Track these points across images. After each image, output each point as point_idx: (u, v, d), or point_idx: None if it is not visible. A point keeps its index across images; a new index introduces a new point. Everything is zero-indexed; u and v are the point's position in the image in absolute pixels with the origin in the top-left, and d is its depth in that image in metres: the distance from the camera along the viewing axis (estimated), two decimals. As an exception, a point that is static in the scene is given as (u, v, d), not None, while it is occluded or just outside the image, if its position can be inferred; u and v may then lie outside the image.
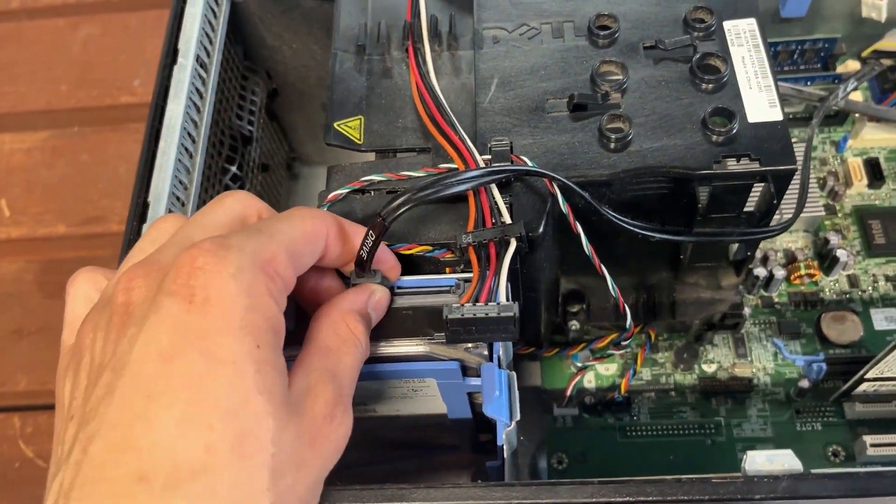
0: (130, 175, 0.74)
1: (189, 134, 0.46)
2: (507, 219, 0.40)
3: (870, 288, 0.58)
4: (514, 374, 0.38)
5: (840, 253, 0.57)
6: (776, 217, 0.47)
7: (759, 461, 0.32)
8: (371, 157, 0.46)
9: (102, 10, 0.85)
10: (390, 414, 0.47)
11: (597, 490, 0.31)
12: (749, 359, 0.57)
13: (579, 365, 0.56)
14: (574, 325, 0.54)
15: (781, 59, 0.66)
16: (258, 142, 0.58)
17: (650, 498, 0.31)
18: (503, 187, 0.41)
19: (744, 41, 0.44)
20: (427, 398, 0.43)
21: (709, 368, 0.57)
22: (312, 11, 0.53)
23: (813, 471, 0.32)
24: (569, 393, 0.55)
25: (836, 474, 0.31)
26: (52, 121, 0.79)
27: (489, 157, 0.42)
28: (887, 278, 0.58)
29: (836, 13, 0.63)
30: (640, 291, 0.53)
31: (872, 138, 0.63)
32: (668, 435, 0.55)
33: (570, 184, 0.40)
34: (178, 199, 0.44)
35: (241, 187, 0.55)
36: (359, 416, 0.46)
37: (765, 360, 0.57)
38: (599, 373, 0.57)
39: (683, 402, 0.56)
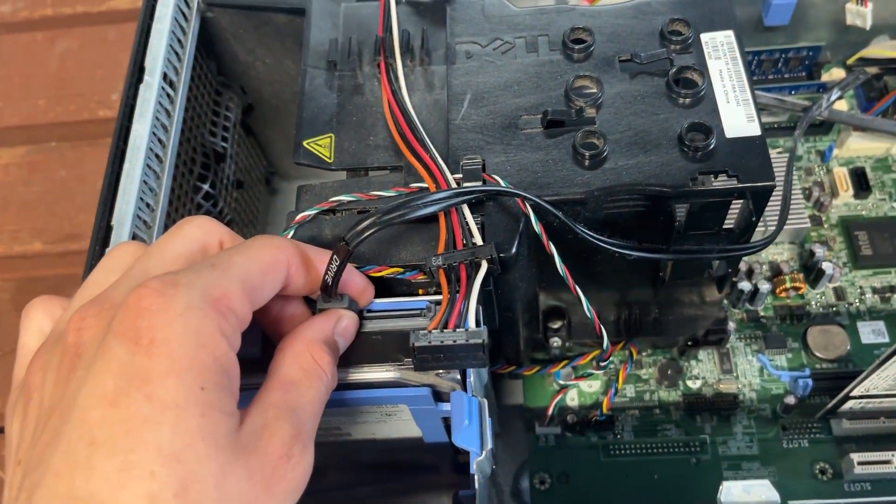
0: (107, 191, 0.73)
1: (156, 154, 0.45)
2: (478, 240, 0.39)
3: (857, 300, 0.57)
4: (485, 401, 0.37)
5: (826, 266, 0.56)
6: (760, 228, 0.46)
7: (736, 492, 0.31)
8: (343, 175, 0.45)
9: (80, 24, 0.84)
10: (366, 438, 0.46)
11: (567, 525, 0.30)
12: (734, 374, 0.56)
13: (561, 383, 0.55)
14: (556, 341, 0.53)
15: (765, 68, 0.65)
16: (232, 158, 0.57)
17: (622, 533, 0.30)
18: (475, 207, 0.40)
19: (721, 54, 0.43)
20: (402, 422, 0.42)
21: (693, 385, 0.56)
22: (285, 27, 0.52)
23: (790, 502, 0.30)
24: (550, 412, 0.54)
25: (813, 506, 0.30)
26: (29, 136, 0.78)
27: (461, 175, 0.41)
28: (874, 290, 0.57)
29: (819, 21, 0.62)
30: (622, 308, 0.52)
31: (858, 147, 0.62)
32: (653, 454, 0.53)
33: (543, 203, 0.39)
34: (143, 221, 0.43)
35: (215, 205, 0.54)
36: (333, 440, 0.46)
37: (750, 375, 0.56)
38: (582, 390, 0.56)
39: (668, 420, 0.55)
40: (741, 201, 0.41)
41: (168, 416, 0.27)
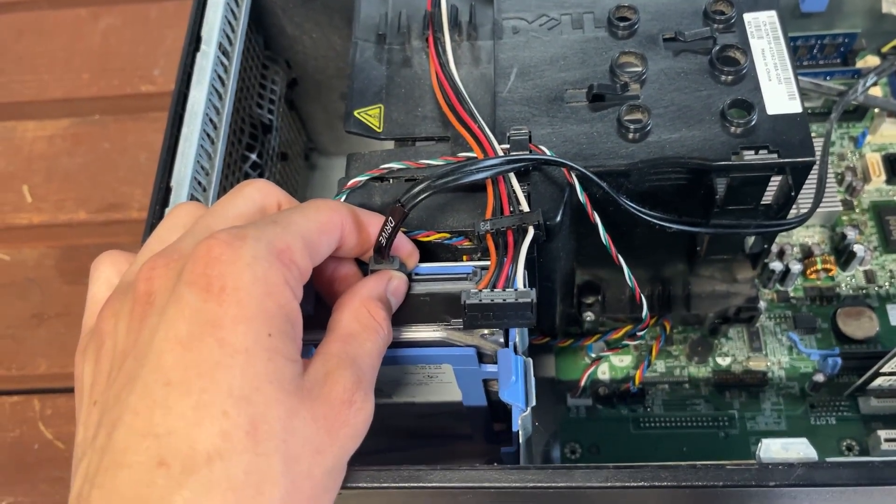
0: (150, 163, 0.75)
1: (211, 120, 0.47)
2: (525, 207, 0.40)
3: (886, 283, 0.58)
4: (530, 360, 0.38)
5: (857, 248, 0.57)
6: (793, 211, 0.47)
7: (774, 449, 0.32)
8: (390, 145, 0.47)
9: (123, 2, 0.85)
10: (406, 401, 0.47)
11: (612, 475, 0.31)
12: (764, 352, 0.57)
13: (593, 356, 0.57)
14: (589, 316, 0.55)
15: (801, 55, 0.66)
16: (278, 130, 0.58)
17: (665, 483, 0.31)
18: (521, 176, 0.42)
19: (764, 34, 0.44)
20: (442, 385, 0.44)
21: (723, 361, 0.57)
22: (333, 2, 0.54)
23: (828, 459, 0.32)
24: (583, 383, 0.55)
25: (850, 463, 0.31)
26: (73, 109, 0.80)
27: (507, 146, 0.42)
28: (904, 274, 0.58)
29: (856, 8, 0.63)
30: (656, 284, 0.53)
31: (892, 134, 0.63)
32: (682, 427, 0.55)
33: (588, 173, 0.40)
34: (199, 184, 0.44)
35: (261, 175, 0.55)
36: (376, 402, 0.47)
37: (780, 354, 0.57)
38: (614, 364, 0.57)
39: (697, 395, 0.56)
40: (780, 177, 0.42)
41: (238, 360, 0.28)
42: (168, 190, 0.42)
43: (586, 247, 0.48)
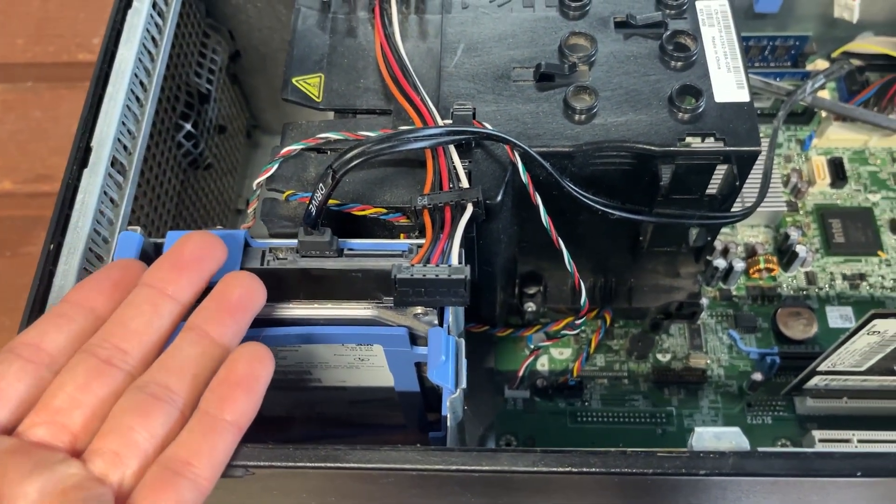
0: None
1: (140, 82, 0.44)
2: (464, 183, 0.38)
3: (826, 286, 0.58)
4: (462, 341, 0.37)
5: (799, 249, 0.57)
6: (738, 205, 0.47)
7: (707, 438, 0.31)
8: (330, 117, 0.45)
9: (66, -35, 0.82)
10: (336, 385, 0.45)
11: (539, 459, 0.30)
12: (704, 350, 0.56)
13: (533, 346, 0.55)
14: (530, 306, 0.53)
15: (753, 55, 0.66)
16: (216, 102, 0.56)
17: (593, 469, 0.30)
18: (463, 152, 0.40)
19: (715, 21, 0.44)
20: (374, 369, 0.42)
21: (663, 358, 0.56)
22: (279, -31, 0.52)
23: (760, 449, 0.31)
24: (521, 374, 0.54)
25: (782, 453, 0.30)
26: (5, 75, 0.76)
27: (450, 121, 0.41)
28: (844, 277, 0.58)
29: (808, 12, 0.63)
30: (598, 275, 0.52)
31: (837, 138, 0.63)
32: (619, 422, 0.54)
33: (531, 152, 0.39)
34: (124, 147, 0.42)
35: (196, 146, 0.53)
36: (303, 385, 0.45)
37: (720, 351, 0.56)
38: (553, 357, 0.56)
39: (636, 391, 0.55)
40: (725, 166, 0.42)
41: None
42: (88, 150, 0.40)
43: (529, 233, 0.47)
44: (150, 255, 0.39)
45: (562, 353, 0.56)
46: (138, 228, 0.38)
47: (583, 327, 0.56)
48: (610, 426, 0.54)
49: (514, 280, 0.53)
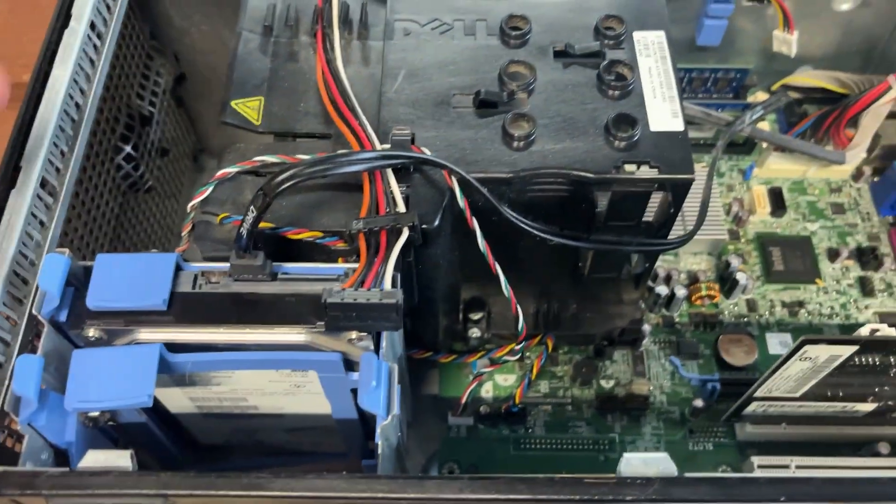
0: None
1: (76, 103, 0.43)
2: (401, 208, 0.38)
3: (767, 313, 0.59)
4: (395, 367, 0.36)
5: (740, 276, 0.58)
6: (679, 230, 0.47)
7: (635, 463, 0.31)
8: (270, 140, 0.44)
9: (12, -14, 0.81)
10: (273, 412, 0.44)
11: (466, 486, 0.30)
12: (647, 377, 0.56)
13: (476, 372, 0.55)
14: (475, 332, 0.53)
15: (696, 86, 0.67)
16: (159, 124, 0.55)
17: (520, 496, 0.29)
18: (401, 177, 0.40)
19: (652, 52, 0.44)
20: (311, 395, 0.41)
21: (607, 384, 0.56)
22: (224, -8, 0.51)
23: (686, 475, 0.31)
24: (464, 401, 0.54)
25: (708, 479, 0.30)
26: (-55, 95, 0.74)
27: (389, 146, 0.41)
28: (784, 304, 0.59)
29: (748, 46, 0.65)
30: (542, 300, 0.52)
31: (777, 168, 0.64)
32: (562, 449, 0.54)
33: (468, 177, 0.39)
34: (55, 167, 0.41)
35: (136, 168, 0.52)
36: (240, 412, 0.44)
37: (662, 378, 0.57)
38: (497, 383, 0.56)
39: (579, 417, 0.55)
40: (661, 194, 0.42)
41: None
42: (16, 170, 0.39)
43: (470, 259, 0.47)
44: (78, 278, 0.38)
45: (506, 380, 0.56)
46: (66, 251, 0.37)
47: (527, 353, 0.56)
48: (553, 453, 0.54)
49: (457, 305, 0.53)
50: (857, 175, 0.64)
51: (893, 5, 0.62)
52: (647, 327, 0.55)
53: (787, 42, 0.62)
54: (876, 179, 0.65)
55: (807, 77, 0.64)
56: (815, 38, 0.65)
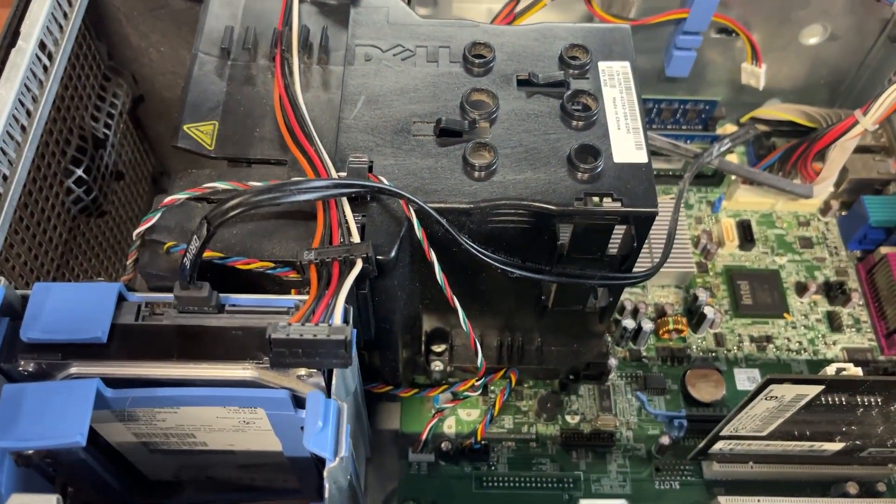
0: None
1: (21, 125, 0.42)
2: (355, 238, 0.37)
3: (735, 347, 0.58)
4: (344, 405, 0.35)
5: (707, 310, 0.57)
6: (647, 262, 0.46)
7: (592, 510, 0.30)
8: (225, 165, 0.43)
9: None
10: (223, 449, 0.43)
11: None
12: (613, 412, 0.55)
13: (438, 407, 0.54)
14: (437, 365, 0.52)
15: (665, 118, 0.67)
16: (114, 147, 0.53)
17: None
18: (357, 206, 0.39)
19: (616, 83, 0.44)
20: (261, 432, 0.40)
21: (572, 420, 0.55)
22: (182, 13, 0.50)
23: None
24: (424, 437, 0.52)
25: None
26: None
27: (344, 173, 0.39)
28: (752, 339, 0.59)
29: (717, 78, 0.65)
30: (505, 333, 0.51)
31: (746, 201, 0.64)
32: (526, 487, 0.52)
33: (426, 208, 0.38)
34: (-6, 191, 0.39)
35: (88, 192, 0.50)
36: (188, 448, 0.42)
37: (629, 414, 0.55)
38: (461, 418, 0.54)
39: (544, 454, 0.53)
40: (624, 227, 0.41)
41: None
42: (-49, 193, 0.37)
43: (432, 291, 0.46)
44: (14, 307, 0.36)
45: (469, 415, 0.55)
46: (2, 279, 0.35)
47: (492, 388, 0.55)
48: (516, 491, 0.52)
49: (419, 338, 0.51)
50: (825, 209, 0.64)
51: (860, 40, 0.62)
52: (613, 361, 0.54)
53: (755, 75, 0.62)
54: (844, 213, 0.64)
55: (775, 110, 0.64)
56: (782, 71, 0.65)
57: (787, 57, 0.63)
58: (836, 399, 0.42)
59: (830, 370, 0.41)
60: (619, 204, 0.39)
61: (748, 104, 0.66)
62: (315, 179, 0.37)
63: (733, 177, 0.64)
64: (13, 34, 0.43)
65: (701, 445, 0.49)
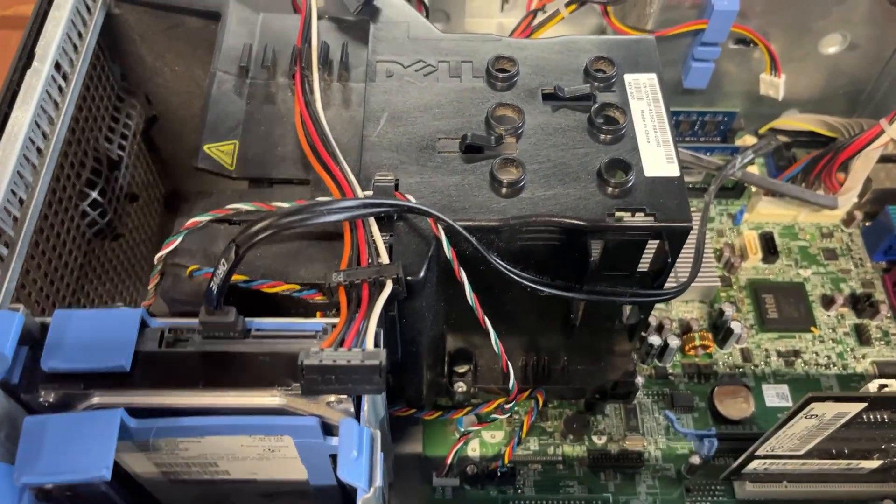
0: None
1: (37, 148, 0.41)
2: (384, 259, 0.36)
3: (762, 363, 0.57)
4: (378, 433, 0.33)
5: (734, 325, 0.56)
6: (672, 282, 0.45)
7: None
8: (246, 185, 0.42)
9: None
10: (245, 478, 0.41)
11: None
12: (641, 432, 0.54)
13: (462, 430, 0.52)
14: (460, 387, 0.50)
15: (683, 130, 0.66)
16: (128, 169, 0.53)
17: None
18: (385, 226, 0.38)
19: (644, 95, 0.43)
20: (286, 460, 0.38)
21: (599, 440, 0.53)
22: (198, 32, 0.49)
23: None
24: (449, 461, 0.51)
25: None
26: None
27: (371, 192, 0.38)
28: (779, 354, 0.57)
29: (735, 89, 0.64)
30: (531, 353, 0.50)
31: (767, 213, 0.63)
32: (554, 511, 0.51)
33: (456, 226, 0.37)
34: (12, 216, 0.38)
35: (103, 215, 0.49)
36: (209, 478, 0.41)
37: (656, 433, 0.54)
38: (485, 440, 0.53)
39: (571, 476, 0.52)
40: (656, 242, 0.40)
41: None
42: (-31, 218, 0.36)
43: (457, 310, 0.45)
44: (34, 335, 0.35)
45: (494, 437, 0.53)
46: (20, 307, 0.34)
47: (516, 408, 0.53)
48: (544, 515, 0.51)
49: (442, 358, 0.50)
50: (849, 220, 0.63)
51: (879, 49, 0.61)
52: (640, 380, 0.52)
53: (774, 85, 0.61)
54: (868, 224, 0.63)
55: (794, 120, 0.63)
56: (801, 81, 0.64)
57: (806, 67, 0.62)
58: (878, 416, 0.41)
59: (873, 387, 0.40)
60: (651, 219, 0.38)
61: (766, 115, 0.65)
62: (344, 199, 0.36)
63: (754, 188, 0.63)
64: (28, 55, 0.42)
65: (735, 465, 0.48)
